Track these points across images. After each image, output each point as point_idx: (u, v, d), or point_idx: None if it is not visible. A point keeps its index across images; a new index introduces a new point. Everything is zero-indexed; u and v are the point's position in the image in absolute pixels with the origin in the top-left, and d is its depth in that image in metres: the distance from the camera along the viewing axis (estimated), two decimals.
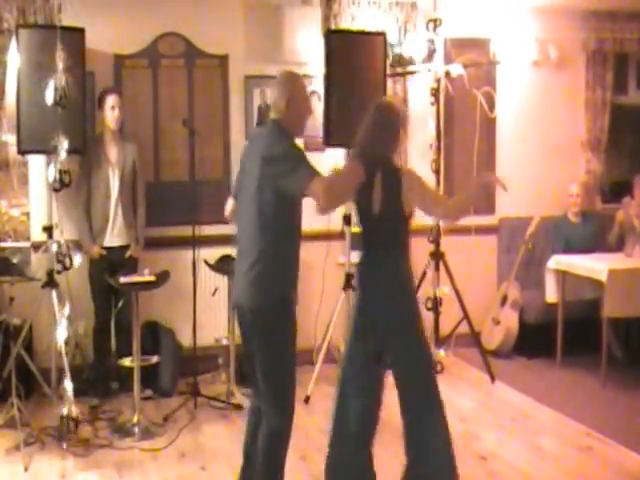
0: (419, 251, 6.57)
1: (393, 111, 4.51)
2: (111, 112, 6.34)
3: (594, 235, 7.79)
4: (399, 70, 7.31)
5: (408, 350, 4.43)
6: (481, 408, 6.45)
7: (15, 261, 5.94)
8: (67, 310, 5.68)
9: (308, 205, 7.03)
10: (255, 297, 4.34)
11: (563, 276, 7.21)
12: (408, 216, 4.41)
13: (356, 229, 6.58)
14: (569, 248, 7.54)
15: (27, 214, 6.71)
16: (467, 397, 6.67)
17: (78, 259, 5.70)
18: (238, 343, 6.50)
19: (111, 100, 6.34)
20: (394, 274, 4.42)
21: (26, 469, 5.23)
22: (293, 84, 4.47)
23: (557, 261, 7.24)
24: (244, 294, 4.37)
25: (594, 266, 6.86)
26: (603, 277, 6.66)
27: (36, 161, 6.52)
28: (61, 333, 5.66)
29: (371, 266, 4.46)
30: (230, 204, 4.71)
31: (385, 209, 4.36)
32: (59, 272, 5.69)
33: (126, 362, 6.12)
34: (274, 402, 4.41)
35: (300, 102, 4.45)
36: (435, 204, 4.50)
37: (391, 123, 4.46)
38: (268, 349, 4.36)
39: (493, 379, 6.99)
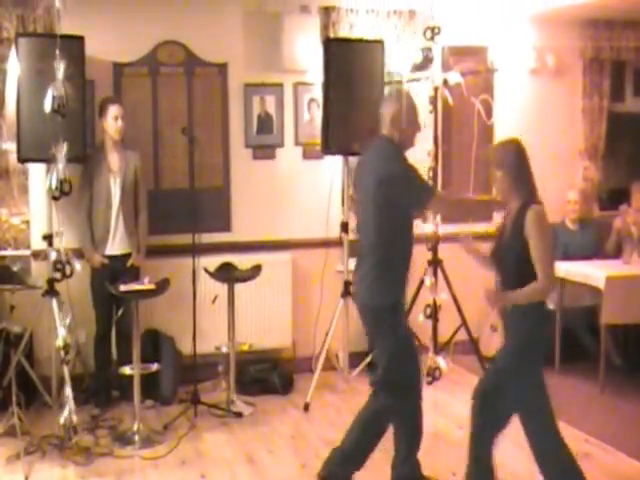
0: (417, 258, 6.53)
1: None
2: (114, 122, 6.30)
3: (592, 242, 7.76)
4: (397, 78, 7.27)
5: None
6: None
7: (15, 269, 5.94)
8: (68, 318, 5.63)
9: (300, 211, 7.17)
10: (374, 298, 4.70)
11: (561, 283, 7.14)
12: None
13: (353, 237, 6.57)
14: (567, 255, 7.50)
15: (27, 222, 6.68)
16: (465, 403, 6.41)
17: (78, 267, 5.66)
18: (238, 351, 6.61)
19: (114, 110, 6.31)
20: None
21: (27, 478, 5.20)
22: (399, 100, 4.62)
23: (555, 268, 7.18)
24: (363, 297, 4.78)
25: (592, 273, 6.83)
26: (601, 284, 6.64)
27: (36, 169, 6.48)
28: (61, 341, 5.58)
29: None
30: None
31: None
32: (59, 280, 5.64)
33: (126, 370, 6.08)
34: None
35: (407, 118, 4.60)
36: None
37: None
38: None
39: None
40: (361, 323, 4.92)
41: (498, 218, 4.42)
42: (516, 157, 4.40)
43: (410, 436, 4.90)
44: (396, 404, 4.77)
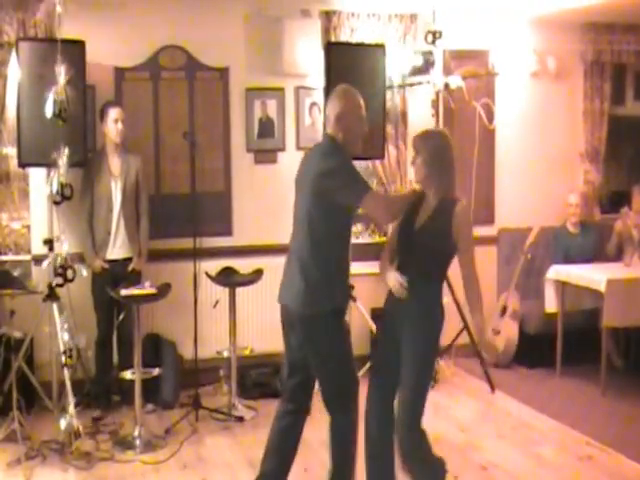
0: None
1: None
2: (114, 125, 6.25)
3: (593, 245, 7.74)
4: (399, 82, 7.26)
5: None
6: (481, 418, 6.38)
7: (16, 274, 5.93)
8: (68, 323, 5.62)
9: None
10: (305, 307, 4.36)
11: (562, 286, 7.14)
12: None
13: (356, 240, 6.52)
14: (568, 258, 7.49)
15: (28, 227, 6.63)
16: (467, 407, 6.61)
17: (83, 272, 5.66)
18: (239, 355, 6.55)
19: (114, 114, 6.26)
20: None
21: None
22: (345, 99, 4.43)
23: (556, 271, 7.17)
24: (294, 303, 4.41)
25: (593, 276, 6.80)
26: (602, 287, 6.61)
27: (37, 174, 6.43)
28: (63, 346, 5.57)
29: None
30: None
31: None
32: (60, 285, 5.59)
33: (127, 375, 6.04)
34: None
35: (353, 118, 4.40)
36: None
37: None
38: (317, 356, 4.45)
39: (493, 389, 6.92)
40: (374, 327, 4.78)
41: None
42: (440, 147, 4.30)
43: (345, 454, 4.65)
44: (351, 417, 4.55)
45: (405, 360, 4.28)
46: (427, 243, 4.27)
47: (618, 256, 7.45)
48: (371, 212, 4.55)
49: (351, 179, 4.30)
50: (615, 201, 8.26)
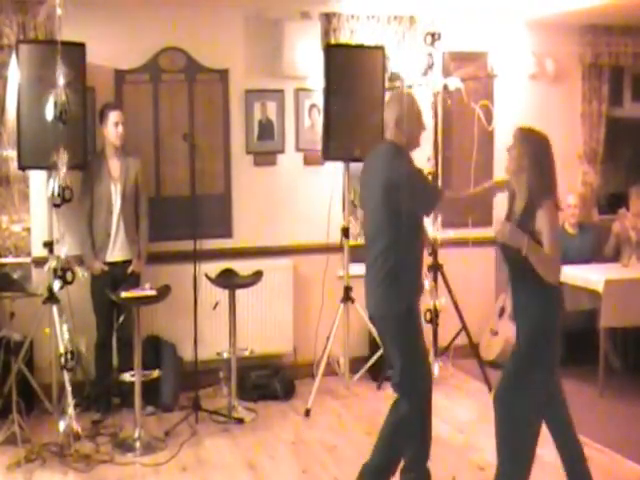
0: None
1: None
2: (114, 128, 6.18)
3: (591, 246, 7.67)
4: (397, 84, 7.18)
5: None
6: (479, 418, 6.31)
7: (16, 277, 5.87)
8: (68, 326, 5.58)
9: (301, 217, 7.05)
10: (386, 307, 4.62)
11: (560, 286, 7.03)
12: None
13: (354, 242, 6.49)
14: (566, 259, 7.30)
15: (28, 230, 6.56)
16: (465, 408, 6.58)
17: (81, 274, 5.60)
18: (239, 357, 6.50)
19: (114, 116, 6.19)
20: None
21: None
22: (401, 103, 4.56)
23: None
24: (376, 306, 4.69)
25: (591, 277, 6.76)
26: (600, 288, 6.57)
27: (37, 177, 6.38)
28: (64, 348, 5.52)
29: None
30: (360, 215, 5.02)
31: None
32: (61, 287, 5.50)
33: (127, 377, 5.97)
34: None
35: (410, 120, 4.54)
36: None
37: None
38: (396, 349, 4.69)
39: (491, 389, 6.81)
40: (374, 330, 4.99)
41: (498, 224, 4.28)
42: (544, 146, 4.30)
43: (418, 443, 4.80)
44: (411, 410, 4.68)
45: None
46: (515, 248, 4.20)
47: (616, 257, 7.40)
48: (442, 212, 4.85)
49: (423, 186, 4.51)
50: (613, 202, 8.23)
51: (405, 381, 4.66)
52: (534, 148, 4.28)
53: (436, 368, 6.77)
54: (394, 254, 4.52)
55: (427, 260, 6.77)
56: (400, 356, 4.64)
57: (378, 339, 5.14)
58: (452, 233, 7.10)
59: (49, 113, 5.25)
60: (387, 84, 6.88)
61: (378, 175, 4.52)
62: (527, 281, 4.28)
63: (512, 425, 4.37)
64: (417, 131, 4.67)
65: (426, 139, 6.86)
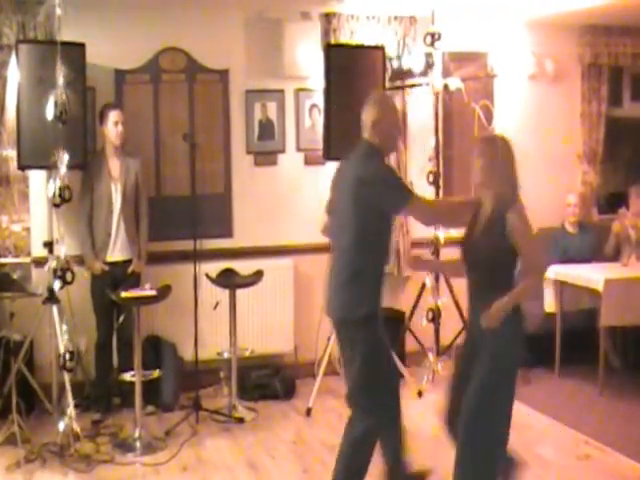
0: None
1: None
2: (114, 128, 6.14)
3: (591, 245, 7.62)
4: (398, 84, 7.17)
5: None
6: None
7: (16, 277, 5.83)
8: (68, 326, 5.53)
9: (301, 217, 7.00)
10: (346, 311, 4.46)
11: (561, 286, 7.05)
12: None
13: None
14: (566, 258, 7.40)
15: (28, 229, 6.53)
16: None
17: (81, 274, 5.54)
18: (239, 356, 6.45)
19: (114, 116, 6.15)
20: None
21: None
22: (380, 105, 4.51)
23: (555, 271, 7.06)
24: (337, 308, 4.51)
25: (591, 276, 6.72)
26: (600, 287, 6.53)
27: (36, 176, 6.33)
28: (64, 348, 5.47)
29: None
30: (324, 220, 4.86)
31: None
32: (61, 287, 5.48)
33: (127, 377, 5.93)
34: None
35: (388, 123, 4.48)
36: None
37: None
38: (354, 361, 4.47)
39: None
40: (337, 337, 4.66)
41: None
42: (503, 150, 4.13)
43: (395, 446, 4.67)
44: (378, 422, 4.51)
45: None
46: (482, 256, 4.10)
47: (616, 257, 7.34)
48: (415, 217, 4.67)
49: (393, 185, 4.36)
50: (612, 202, 8.19)
51: (360, 396, 4.48)
52: (495, 156, 4.12)
53: (439, 367, 6.76)
54: (358, 255, 4.38)
55: None
56: (357, 367, 4.42)
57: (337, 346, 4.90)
58: (453, 232, 7.06)
59: (49, 113, 5.26)
60: (388, 83, 6.91)
61: (349, 174, 4.43)
62: (495, 292, 4.04)
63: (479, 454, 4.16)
64: (395, 135, 4.67)
65: (426, 139, 6.92)
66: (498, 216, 4.04)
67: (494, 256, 4.06)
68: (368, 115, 4.47)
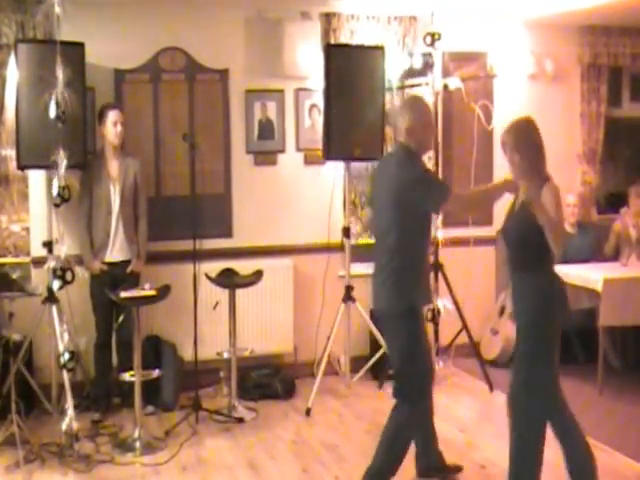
0: None
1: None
2: (113, 128, 6.09)
3: (590, 245, 7.58)
4: (398, 84, 7.12)
5: None
6: (480, 417, 6.27)
7: (15, 277, 5.73)
8: (68, 325, 5.49)
9: (301, 217, 6.97)
10: (388, 305, 4.67)
11: None
12: None
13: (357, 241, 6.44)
14: (565, 258, 7.27)
15: (27, 229, 6.49)
16: (466, 406, 6.49)
17: (79, 274, 5.49)
18: (239, 356, 6.42)
19: (113, 116, 6.10)
20: None
21: None
22: (412, 111, 4.65)
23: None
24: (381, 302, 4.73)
25: (590, 276, 6.67)
26: (599, 287, 6.49)
27: (36, 176, 6.29)
28: (64, 348, 5.40)
29: None
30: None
31: None
32: (61, 287, 5.41)
33: (127, 377, 5.88)
34: None
35: (421, 128, 4.60)
36: None
37: None
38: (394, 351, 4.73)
39: (492, 388, 6.78)
40: (375, 329, 5.10)
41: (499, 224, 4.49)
42: (522, 133, 4.38)
43: (426, 434, 4.95)
44: (412, 411, 4.67)
45: None
46: (515, 236, 4.35)
47: (616, 256, 7.30)
48: (454, 210, 4.88)
49: (432, 186, 4.53)
50: (612, 202, 8.17)
51: (401, 385, 4.66)
52: (519, 140, 4.36)
53: (437, 367, 6.65)
54: (400, 253, 4.55)
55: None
56: (398, 358, 4.66)
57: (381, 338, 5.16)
58: (453, 233, 7.02)
59: (53, 112, 5.18)
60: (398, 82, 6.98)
61: (389, 176, 4.58)
62: (528, 272, 4.32)
63: (526, 425, 4.38)
64: (428, 135, 4.76)
65: None
66: (531, 200, 4.20)
67: (526, 235, 4.25)
68: (402, 121, 4.62)
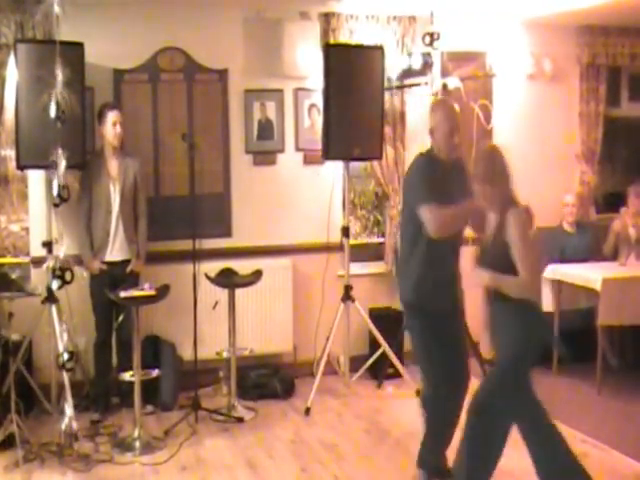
0: None
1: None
2: (112, 128, 6.08)
3: (589, 245, 7.60)
4: (397, 83, 7.10)
5: None
6: None
7: (14, 276, 5.76)
8: (67, 325, 5.49)
9: (300, 216, 6.96)
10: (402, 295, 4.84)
11: (559, 285, 7.00)
12: None
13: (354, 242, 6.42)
14: (564, 258, 7.37)
15: (27, 229, 6.47)
16: (466, 406, 6.39)
17: (78, 273, 5.47)
18: (238, 356, 6.41)
19: (112, 116, 6.08)
20: None
21: None
22: (434, 114, 4.73)
23: (552, 271, 7.03)
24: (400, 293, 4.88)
25: (589, 275, 6.67)
26: (597, 286, 6.48)
27: (35, 176, 6.27)
28: (63, 348, 5.38)
29: None
30: None
31: None
32: (60, 287, 5.39)
33: (127, 377, 5.87)
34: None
35: (441, 131, 4.63)
36: None
37: None
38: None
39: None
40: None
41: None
42: (486, 163, 4.36)
43: (436, 429, 4.92)
44: (432, 394, 4.83)
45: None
46: (490, 260, 4.32)
47: (615, 256, 7.30)
48: (426, 225, 4.61)
49: (416, 190, 4.58)
50: (610, 202, 8.17)
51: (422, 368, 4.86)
52: (488, 170, 4.32)
53: None
54: (414, 246, 4.66)
55: None
56: (413, 349, 4.94)
57: None
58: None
59: (53, 112, 5.15)
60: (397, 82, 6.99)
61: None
62: (507, 302, 4.33)
63: (490, 426, 4.45)
64: (448, 142, 4.67)
65: (425, 139, 6.84)
66: (501, 224, 4.25)
67: (500, 259, 4.24)
68: (429, 122, 4.72)
